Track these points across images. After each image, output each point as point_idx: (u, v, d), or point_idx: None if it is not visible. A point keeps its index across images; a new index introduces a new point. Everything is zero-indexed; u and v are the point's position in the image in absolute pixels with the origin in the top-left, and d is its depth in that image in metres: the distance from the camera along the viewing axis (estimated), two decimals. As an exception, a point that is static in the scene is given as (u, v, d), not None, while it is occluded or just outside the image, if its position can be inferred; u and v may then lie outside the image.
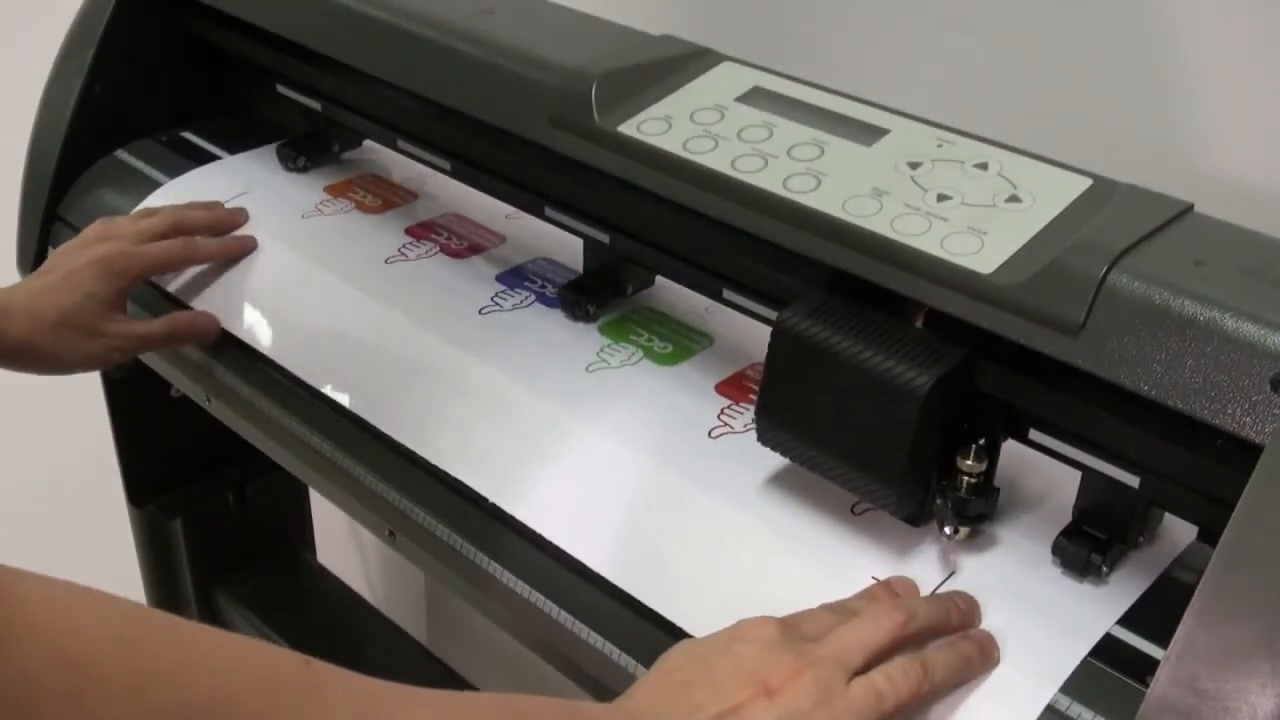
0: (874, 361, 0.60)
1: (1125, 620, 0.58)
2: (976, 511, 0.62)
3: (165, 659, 0.47)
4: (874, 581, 0.61)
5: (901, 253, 0.61)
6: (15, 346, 0.83)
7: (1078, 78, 0.85)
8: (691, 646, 0.58)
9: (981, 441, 0.62)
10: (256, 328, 0.87)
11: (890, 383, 0.59)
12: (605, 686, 0.66)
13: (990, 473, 0.62)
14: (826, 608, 0.60)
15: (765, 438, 0.66)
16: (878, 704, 0.55)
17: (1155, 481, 0.59)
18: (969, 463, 0.61)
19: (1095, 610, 0.59)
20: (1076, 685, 0.56)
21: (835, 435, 0.62)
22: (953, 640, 0.58)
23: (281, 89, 1.01)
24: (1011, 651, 0.58)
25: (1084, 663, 0.56)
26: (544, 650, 0.70)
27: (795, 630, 0.57)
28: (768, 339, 0.64)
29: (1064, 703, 0.55)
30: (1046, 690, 0.56)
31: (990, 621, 0.59)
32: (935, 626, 0.58)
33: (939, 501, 0.62)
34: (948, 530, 0.62)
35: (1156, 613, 0.58)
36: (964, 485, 0.62)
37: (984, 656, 0.57)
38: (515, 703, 0.54)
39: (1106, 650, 0.57)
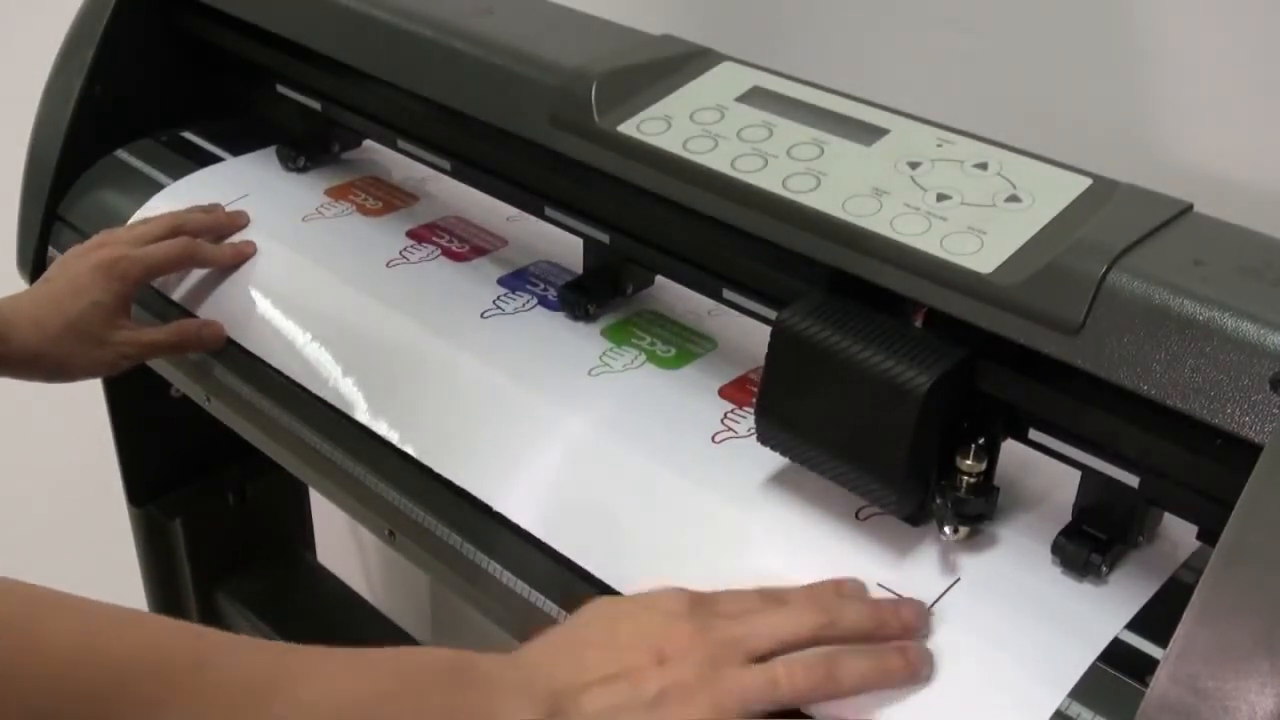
0: (874, 361, 0.60)
1: (1134, 625, 0.58)
2: (976, 511, 0.62)
3: (60, 644, 0.48)
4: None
5: (901, 252, 0.61)
6: (22, 355, 0.83)
7: (1078, 78, 0.85)
8: (605, 605, 0.59)
9: (981, 441, 0.62)
10: (258, 332, 0.87)
11: (890, 383, 0.59)
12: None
13: (990, 472, 0.62)
14: (757, 592, 0.59)
15: (765, 438, 0.66)
16: (770, 690, 0.55)
17: (1155, 481, 0.59)
18: (969, 462, 0.61)
19: (1097, 612, 0.59)
20: (1085, 690, 0.55)
21: (835, 435, 0.62)
22: (882, 650, 0.57)
23: (281, 89, 1.01)
24: (1016, 654, 0.58)
25: (1092, 667, 0.56)
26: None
27: (708, 606, 0.58)
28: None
29: (1074, 708, 0.55)
30: (1055, 695, 0.55)
31: (991, 622, 0.59)
32: (863, 634, 0.57)
33: (939, 501, 0.62)
34: (947, 530, 0.62)
35: (1166, 617, 0.58)
36: (964, 485, 0.62)
37: (909, 673, 0.56)
38: (414, 658, 0.55)
39: (1115, 655, 0.57)
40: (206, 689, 0.50)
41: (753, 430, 0.66)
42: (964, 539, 0.63)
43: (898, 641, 0.57)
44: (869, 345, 0.61)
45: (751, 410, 0.69)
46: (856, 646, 0.57)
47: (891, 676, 0.56)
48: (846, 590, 0.60)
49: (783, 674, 0.55)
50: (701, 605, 0.58)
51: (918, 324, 0.63)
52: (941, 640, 0.59)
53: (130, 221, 0.96)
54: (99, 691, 0.48)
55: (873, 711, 0.57)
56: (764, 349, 0.64)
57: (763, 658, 0.56)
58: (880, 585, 0.61)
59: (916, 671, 0.57)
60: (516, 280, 0.86)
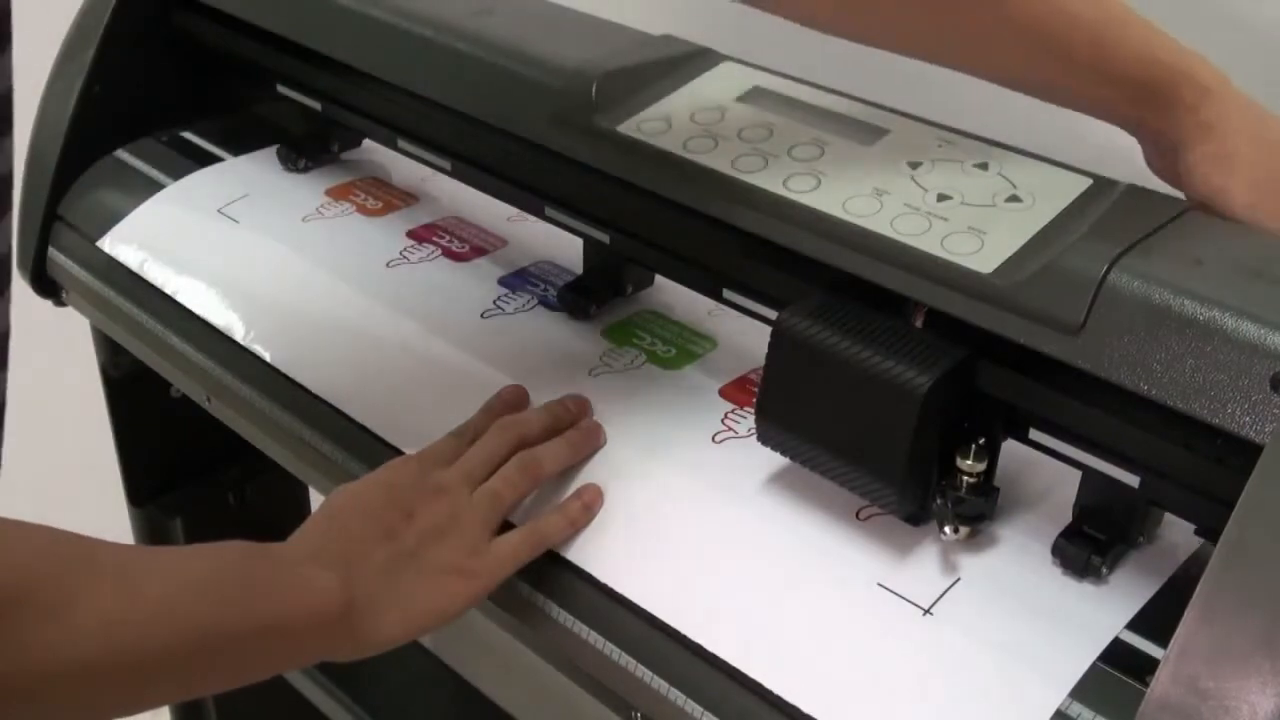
0: (874, 362, 0.60)
1: (1134, 625, 0.58)
2: (976, 511, 0.62)
3: None
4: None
5: (901, 253, 0.61)
6: None
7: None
8: (350, 486, 0.68)
9: (981, 441, 0.62)
10: (258, 332, 0.87)
11: (890, 383, 0.59)
12: (607, 688, 0.66)
13: (990, 472, 0.62)
14: (452, 434, 0.71)
15: (765, 438, 0.66)
16: (497, 502, 0.67)
17: (1155, 481, 0.58)
18: (969, 462, 0.61)
19: (1097, 612, 0.59)
20: (1086, 690, 0.55)
21: (835, 435, 0.62)
22: (565, 436, 0.70)
23: (281, 89, 1.01)
24: (1016, 654, 0.58)
25: (1093, 668, 0.56)
26: (543, 651, 0.70)
27: (428, 464, 0.69)
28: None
29: (1074, 708, 0.55)
30: (1055, 695, 0.55)
31: (991, 622, 0.59)
32: (550, 429, 0.70)
33: (939, 501, 0.62)
34: (947, 530, 0.62)
35: (1166, 617, 0.58)
36: (964, 485, 0.62)
37: (590, 441, 0.70)
38: (211, 547, 0.60)
39: (1116, 655, 0.57)
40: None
41: (753, 430, 0.66)
42: (964, 539, 0.63)
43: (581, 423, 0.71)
44: (869, 346, 0.61)
45: (751, 410, 0.69)
46: (550, 443, 0.70)
47: (581, 449, 0.70)
48: (510, 398, 0.73)
49: (500, 486, 0.67)
50: (425, 460, 0.69)
51: (918, 324, 0.63)
52: (942, 640, 0.59)
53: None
54: None
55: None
56: (764, 349, 0.64)
57: (484, 481, 0.67)
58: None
59: (596, 439, 0.71)
60: (517, 280, 0.86)
